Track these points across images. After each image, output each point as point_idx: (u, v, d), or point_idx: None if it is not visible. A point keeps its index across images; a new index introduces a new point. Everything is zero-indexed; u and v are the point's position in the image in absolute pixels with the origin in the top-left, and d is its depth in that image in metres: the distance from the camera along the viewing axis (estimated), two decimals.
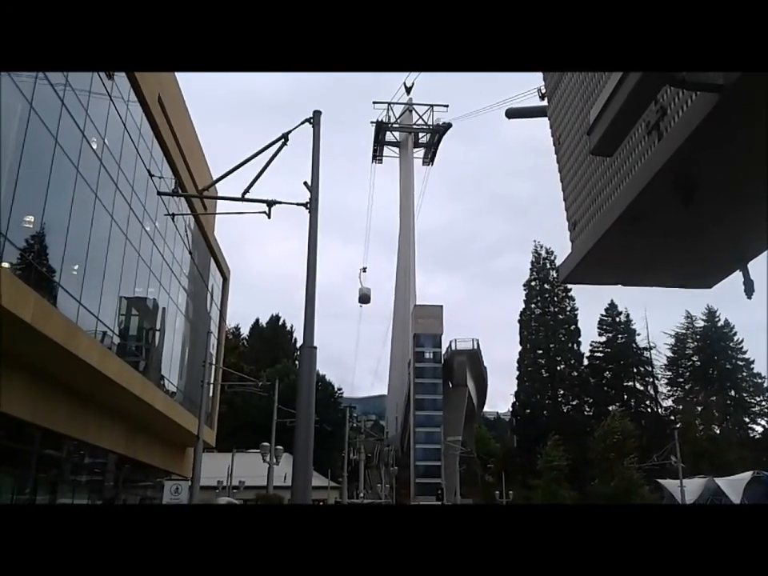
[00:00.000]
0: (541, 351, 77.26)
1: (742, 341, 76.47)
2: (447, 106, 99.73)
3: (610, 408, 70.66)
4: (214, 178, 14.33)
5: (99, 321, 17.31)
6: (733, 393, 74.86)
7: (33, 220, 13.87)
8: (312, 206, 11.25)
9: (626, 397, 76.50)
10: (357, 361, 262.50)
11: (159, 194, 18.52)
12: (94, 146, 16.51)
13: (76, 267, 16.23)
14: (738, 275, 3.99)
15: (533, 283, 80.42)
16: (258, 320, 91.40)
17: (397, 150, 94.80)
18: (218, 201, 21.27)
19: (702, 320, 79.27)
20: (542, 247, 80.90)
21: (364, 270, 62.79)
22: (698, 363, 77.64)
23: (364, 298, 72.10)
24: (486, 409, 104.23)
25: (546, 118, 5.19)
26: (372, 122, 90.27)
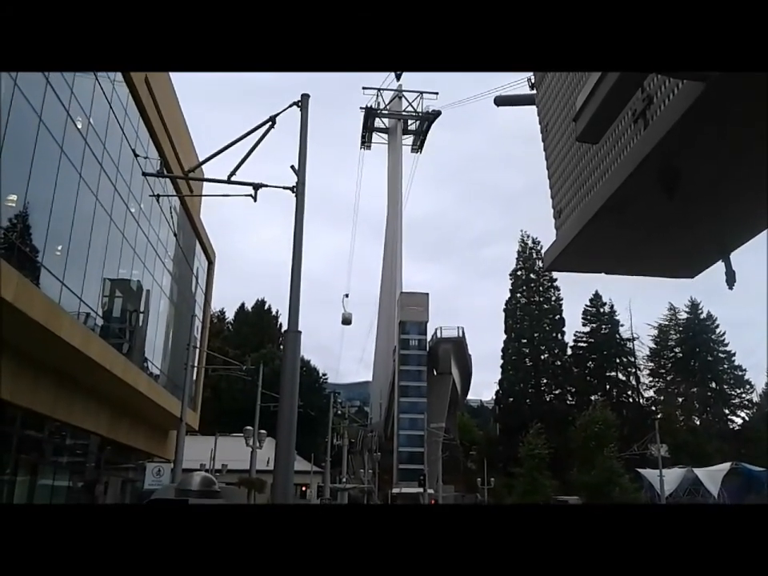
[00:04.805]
0: (525, 340, 77.67)
1: (724, 333, 77.43)
2: (437, 93, 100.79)
3: (592, 398, 71.33)
4: (200, 160, 14.20)
5: (82, 302, 17.20)
6: (713, 385, 75.73)
7: (16, 199, 13.72)
8: (299, 190, 11.18)
9: (608, 387, 77.14)
10: (342, 347, 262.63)
11: (144, 174, 18.35)
12: (79, 125, 16.33)
13: (60, 248, 16.09)
14: (720, 267, 4.01)
15: (519, 273, 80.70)
16: (243, 304, 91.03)
17: (386, 136, 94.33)
18: (205, 183, 21.08)
19: (685, 312, 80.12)
20: (528, 237, 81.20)
21: (347, 296, 66.40)
22: (680, 355, 78.39)
23: (346, 322, 76.51)
24: (469, 397, 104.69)
25: (535, 107, 5.18)
26: (361, 108, 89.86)
